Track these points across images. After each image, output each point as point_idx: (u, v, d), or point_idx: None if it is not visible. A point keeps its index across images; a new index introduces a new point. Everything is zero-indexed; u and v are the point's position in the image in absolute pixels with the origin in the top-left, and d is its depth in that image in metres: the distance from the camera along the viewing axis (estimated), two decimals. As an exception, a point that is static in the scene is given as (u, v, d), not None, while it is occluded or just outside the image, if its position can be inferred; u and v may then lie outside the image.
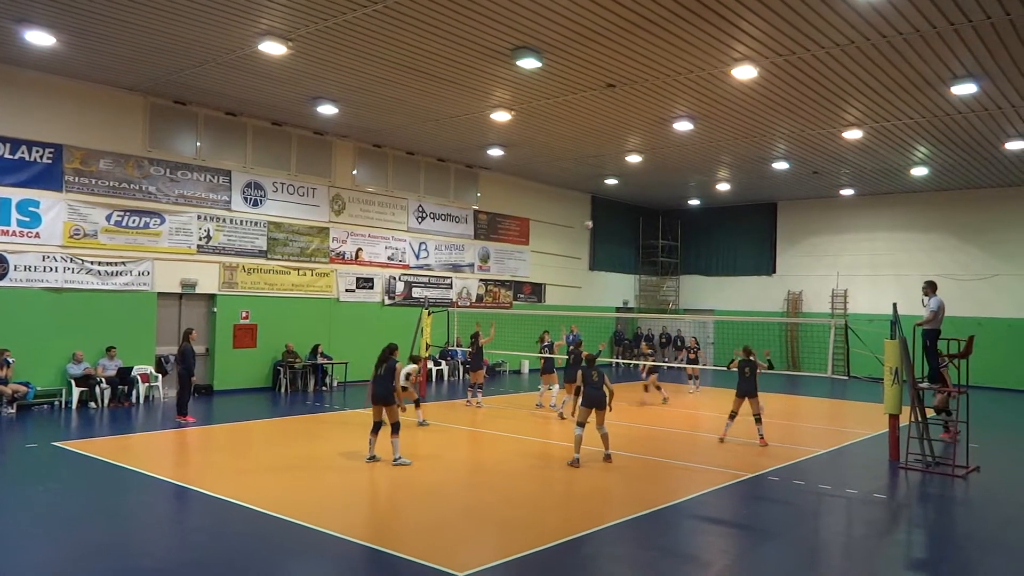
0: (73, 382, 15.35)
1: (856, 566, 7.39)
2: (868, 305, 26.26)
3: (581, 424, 11.12)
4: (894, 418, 12.13)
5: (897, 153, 20.11)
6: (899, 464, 11.67)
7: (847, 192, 26.56)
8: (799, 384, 23.99)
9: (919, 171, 22.27)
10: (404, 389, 12.73)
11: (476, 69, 14.14)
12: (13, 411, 14.42)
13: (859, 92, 14.82)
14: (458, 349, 21.23)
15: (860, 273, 27.36)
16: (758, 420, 12.97)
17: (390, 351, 11.11)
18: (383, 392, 10.78)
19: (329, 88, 15.75)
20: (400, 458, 10.64)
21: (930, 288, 12.94)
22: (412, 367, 13.75)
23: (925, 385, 12.21)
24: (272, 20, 12.04)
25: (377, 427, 10.85)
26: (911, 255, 26.28)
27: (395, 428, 10.71)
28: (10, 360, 14.52)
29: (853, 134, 18.07)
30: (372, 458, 10.76)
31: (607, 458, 11.18)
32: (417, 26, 12.11)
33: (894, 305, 12.38)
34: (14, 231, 14.95)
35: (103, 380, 15.60)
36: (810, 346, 26.59)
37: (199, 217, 17.69)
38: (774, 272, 29.53)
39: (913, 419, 11.67)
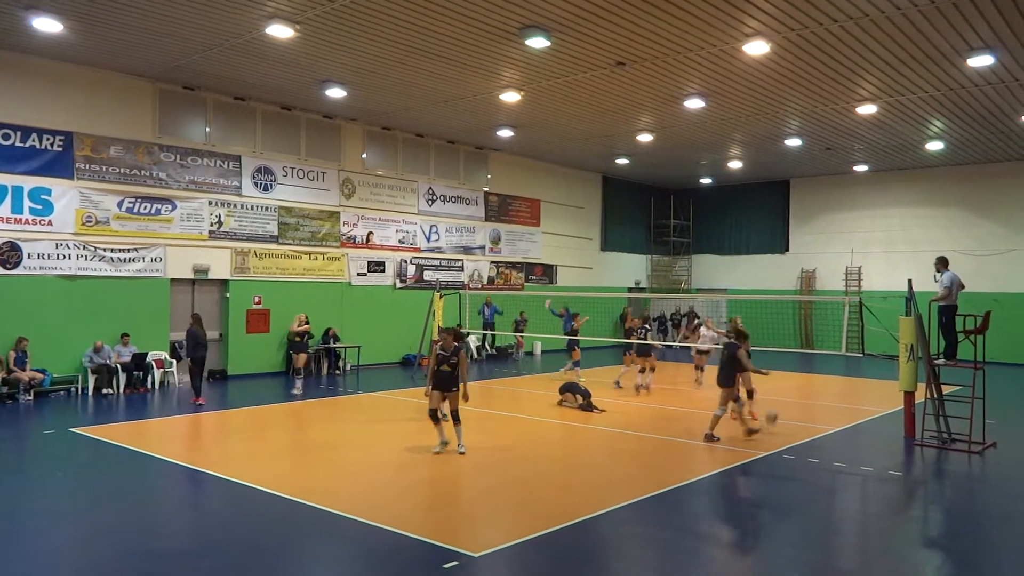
0: (89, 369, 15.48)
1: (872, 543, 7.36)
2: (883, 282, 26.05)
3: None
4: (909, 395, 12.05)
5: (912, 128, 19.85)
6: (915, 441, 11.61)
7: (861, 168, 26.28)
8: (813, 362, 23.88)
9: (934, 146, 21.99)
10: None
11: (484, 49, 14.02)
12: (31, 398, 14.57)
13: (873, 66, 14.60)
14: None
15: (874, 250, 27.13)
16: (749, 396, 12.73)
17: (460, 336, 10.64)
18: (449, 379, 10.30)
19: (337, 71, 15.68)
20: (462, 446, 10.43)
21: (941, 264, 12.79)
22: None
23: (941, 362, 12.10)
24: (279, 3, 11.96)
25: (435, 414, 10.43)
26: (926, 231, 26.01)
27: (456, 416, 10.42)
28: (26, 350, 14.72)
29: (867, 109, 17.83)
30: (444, 444, 10.42)
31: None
32: (424, 6, 12.00)
33: (909, 281, 12.26)
34: (27, 219, 15.03)
35: (119, 367, 15.71)
36: (824, 324, 26.44)
37: (210, 203, 17.71)
38: (787, 250, 29.32)
39: (929, 396, 11.59)
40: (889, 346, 13.08)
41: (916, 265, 24.38)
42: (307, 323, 16.54)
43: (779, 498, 8.88)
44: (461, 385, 10.40)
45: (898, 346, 12.14)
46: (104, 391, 15.51)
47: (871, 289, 26.11)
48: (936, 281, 12.65)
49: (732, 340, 12.23)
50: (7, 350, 14.56)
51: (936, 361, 11.98)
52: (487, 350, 24.04)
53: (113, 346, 15.95)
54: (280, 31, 12.95)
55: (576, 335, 18.83)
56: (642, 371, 16.57)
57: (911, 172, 26.17)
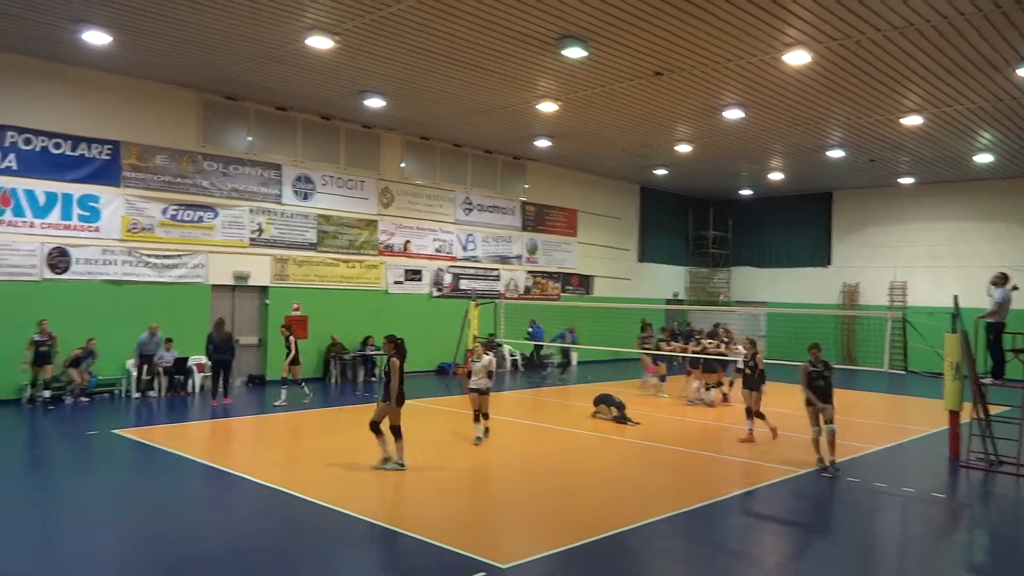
0: (133, 372, 15.79)
1: (912, 567, 7.15)
2: (928, 298, 25.35)
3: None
4: (955, 414, 11.70)
5: (960, 139, 19.36)
6: (959, 462, 11.24)
7: (906, 180, 25.71)
8: (855, 379, 23.33)
9: (983, 158, 21.42)
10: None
11: (521, 59, 14.05)
12: (87, 400, 14.97)
13: (919, 76, 14.29)
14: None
15: (920, 264, 26.48)
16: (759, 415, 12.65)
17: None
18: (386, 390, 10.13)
19: (376, 81, 15.85)
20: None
21: (1001, 279, 12.32)
22: (488, 359, 12.01)
23: (988, 381, 11.73)
24: (318, 14, 12.15)
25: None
26: (974, 246, 25.31)
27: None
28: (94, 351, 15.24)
29: (912, 120, 17.45)
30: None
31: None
32: (461, 17, 12.08)
33: (955, 297, 11.92)
34: (75, 226, 15.43)
35: (161, 370, 16.01)
36: (867, 340, 25.86)
37: (251, 211, 18.01)
38: (829, 263, 28.78)
39: (975, 416, 11.23)
40: (934, 364, 12.73)
41: (963, 281, 23.68)
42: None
43: (816, 517, 8.68)
44: (392, 399, 9.89)
45: (943, 364, 11.80)
46: (147, 394, 15.81)
47: (916, 305, 25.45)
48: (989, 295, 12.21)
49: (821, 362, 10.80)
50: (69, 349, 14.92)
51: (983, 380, 11.61)
52: (522, 360, 23.94)
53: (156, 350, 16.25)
54: (320, 42, 13.14)
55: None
56: (708, 387, 16.67)
57: (959, 185, 25.51)
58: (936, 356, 12.15)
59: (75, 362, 14.94)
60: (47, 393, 14.44)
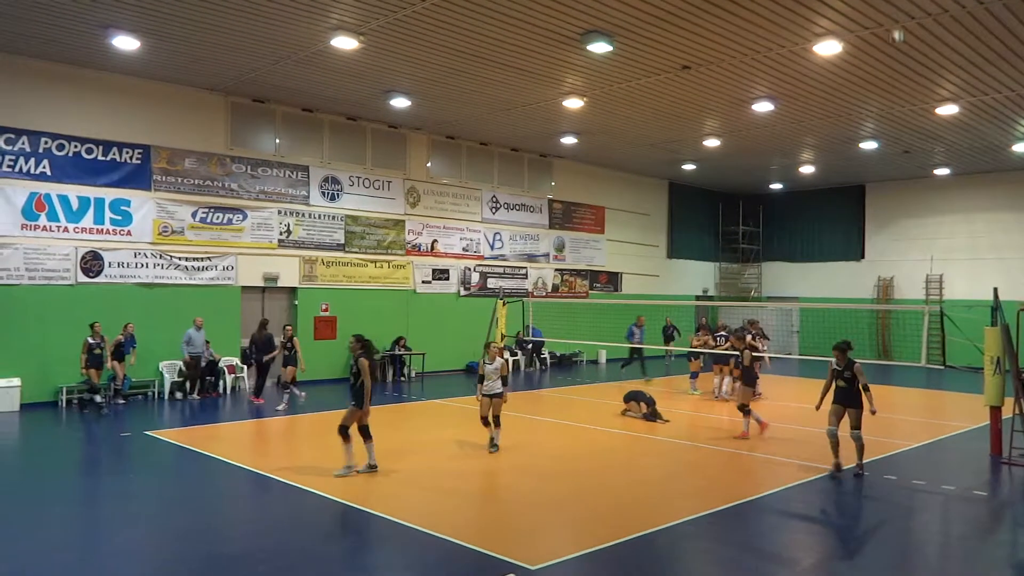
0: (165, 372, 15.98)
1: (953, 568, 6.94)
2: (966, 290, 24.82)
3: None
4: (995, 410, 11.37)
5: (997, 128, 18.88)
6: (1001, 459, 10.93)
7: (942, 172, 25.15)
8: (891, 374, 22.92)
9: (1022, 147, 20.87)
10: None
11: (546, 55, 13.95)
12: (124, 402, 15.16)
13: (954, 64, 13.94)
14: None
15: (957, 257, 25.91)
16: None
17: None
18: (355, 392, 9.73)
19: (401, 81, 15.86)
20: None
21: None
22: (501, 361, 11.31)
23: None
24: (343, 15, 12.17)
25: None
26: (1012, 236, 24.72)
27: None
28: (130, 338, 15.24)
29: (948, 110, 17.04)
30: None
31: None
32: (485, 14, 12.02)
33: (995, 290, 11.59)
34: (108, 229, 15.66)
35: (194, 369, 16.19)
36: (902, 334, 25.37)
37: (279, 212, 18.14)
38: (863, 257, 28.28)
39: (1016, 411, 10.92)
40: (973, 358, 12.40)
41: (1002, 273, 23.18)
42: (272, 333, 16.25)
43: (852, 517, 8.48)
44: (365, 400, 9.55)
45: (982, 358, 11.48)
46: (177, 395, 16.01)
47: (953, 298, 24.90)
48: None
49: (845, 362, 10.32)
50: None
51: (1025, 374, 11.29)
52: (551, 360, 23.83)
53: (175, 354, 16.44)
54: (345, 43, 13.17)
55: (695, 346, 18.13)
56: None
57: (997, 175, 24.91)
58: (975, 350, 11.83)
59: (119, 353, 14.98)
60: (98, 397, 14.34)
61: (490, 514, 8.27)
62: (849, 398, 10.02)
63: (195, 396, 16.05)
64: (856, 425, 9.96)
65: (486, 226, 22.61)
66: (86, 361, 14.32)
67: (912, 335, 21.64)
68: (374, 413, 14.68)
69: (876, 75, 14.68)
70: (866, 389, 9.93)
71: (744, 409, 12.47)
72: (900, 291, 27.15)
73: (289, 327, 15.64)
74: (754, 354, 16.37)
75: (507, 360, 11.38)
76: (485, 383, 10.96)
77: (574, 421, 13.99)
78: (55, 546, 7.02)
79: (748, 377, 12.94)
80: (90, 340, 14.41)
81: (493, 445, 11.01)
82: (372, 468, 9.64)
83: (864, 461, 10.13)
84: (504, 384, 10.98)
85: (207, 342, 16.32)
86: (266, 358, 15.93)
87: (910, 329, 23.48)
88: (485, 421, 11.06)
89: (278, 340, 15.78)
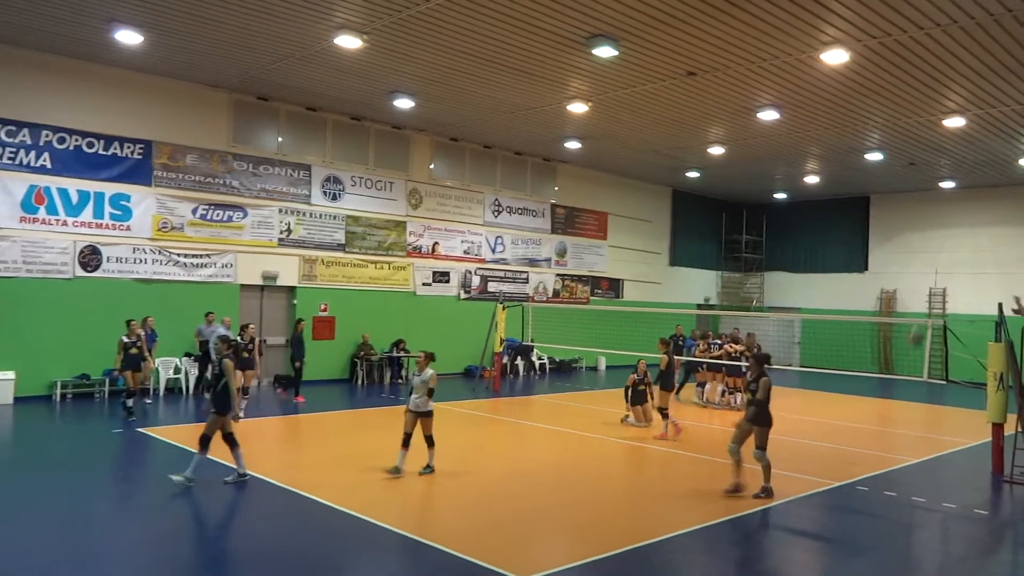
0: (161, 369, 15.85)
1: (953, 588, 6.80)
2: (970, 305, 24.66)
3: None
4: (998, 427, 11.22)
5: (1004, 142, 18.75)
6: (1003, 478, 10.77)
7: (947, 184, 25.01)
8: (892, 388, 22.76)
9: (1029, 161, 20.76)
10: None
11: (551, 59, 13.86)
12: (151, 401, 14.77)
13: (962, 76, 13.82)
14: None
15: (961, 271, 25.76)
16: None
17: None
18: (218, 399, 9.14)
19: (405, 81, 15.77)
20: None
21: None
22: (429, 372, 9.80)
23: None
24: (347, 14, 12.08)
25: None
26: (1017, 251, 24.56)
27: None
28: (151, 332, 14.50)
29: (955, 122, 16.92)
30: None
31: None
32: (490, 16, 11.93)
33: (999, 305, 11.46)
34: (107, 224, 15.57)
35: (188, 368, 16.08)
36: (904, 348, 25.25)
37: (280, 211, 18.05)
38: (866, 269, 28.14)
39: (1019, 428, 10.77)
40: (976, 373, 12.25)
41: (1007, 287, 22.93)
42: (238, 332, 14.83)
43: (850, 533, 8.33)
44: (233, 404, 9.05)
45: (986, 374, 11.34)
46: (176, 390, 15.91)
47: (957, 312, 24.77)
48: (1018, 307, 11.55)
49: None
50: (105, 343, 14.27)
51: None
52: (550, 365, 23.69)
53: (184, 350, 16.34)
54: (349, 41, 13.09)
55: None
56: (730, 391, 16.85)
57: (1003, 189, 24.76)
58: (979, 365, 11.69)
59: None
60: (130, 402, 13.20)
61: (480, 522, 8.13)
62: (755, 414, 9.27)
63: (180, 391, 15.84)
64: (761, 444, 9.21)
65: (488, 229, 22.50)
66: (121, 362, 13.25)
67: (914, 349, 21.53)
68: (369, 415, 14.63)
69: (883, 86, 14.57)
70: (761, 405, 9.24)
71: (662, 412, 12.98)
72: (903, 304, 26.99)
73: (252, 326, 14.47)
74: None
75: (434, 373, 9.72)
76: (412, 396, 9.66)
77: (569, 428, 13.85)
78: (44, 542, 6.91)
79: (667, 382, 13.22)
80: (125, 339, 13.30)
81: (427, 467, 9.67)
82: (242, 478, 9.01)
83: (864, 476, 9.97)
84: (429, 396, 9.63)
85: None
86: (297, 364, 15.75)
87: (912, 343, 23.37)
88: (407, 440, 9.51)
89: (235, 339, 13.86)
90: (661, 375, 13.24)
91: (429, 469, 9.68)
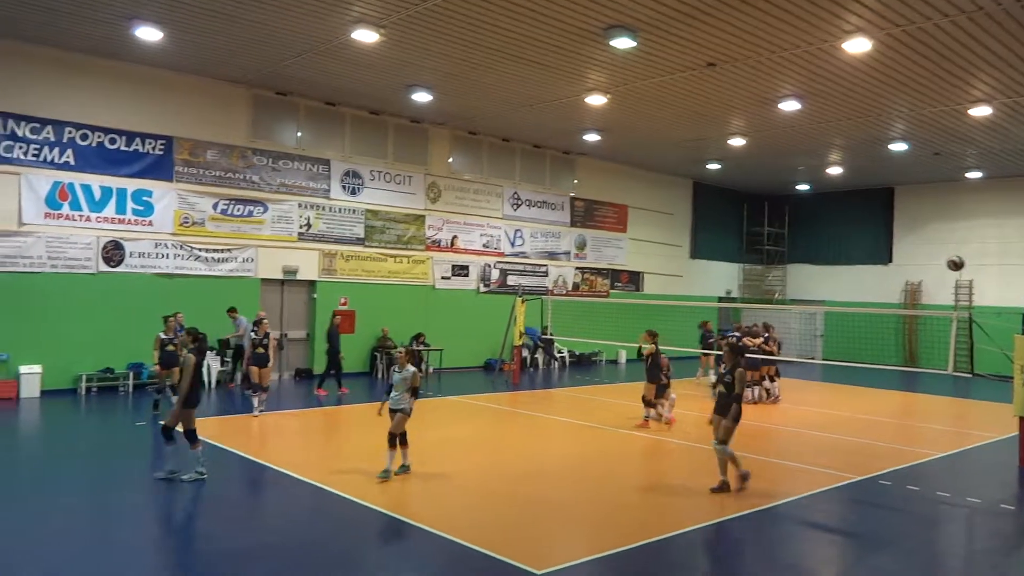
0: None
1: (978, 584, 6.70)
2: (997, 297, 24.29)
3: None
4: (1025, 421, 11.06)
5: (1033, 131, 18.40)
6: (1030, 472, 10.62)
7: (973, 175, 24.60)
8: (917, 381, 22.46)
9: (1058, 150, 20.35)
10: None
11: (569, 51, 13.78)
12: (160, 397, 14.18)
13: (988, 64, 13.55)
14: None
15: (988, 263, 25.32)
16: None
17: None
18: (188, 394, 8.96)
19: (423, 75, 15.76)
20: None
21: None
22: (411, 370, 9.39)
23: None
24: (364, 7, 12.08)
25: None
26: (1047, 243, 24.10)
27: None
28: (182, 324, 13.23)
29: (981, 111, 16.61)
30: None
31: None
32: (507, 8, 11.87)
33: (1027, 297, 11.25)
34: (129, 219, 15.73)
35: (209, 364, 16.17)
36: (930, 340, 24.85)
37: (300, 205, 18.14)
38: (890, 261, 27.76)
39: (1047, 422, 10.59)
40: (1002, 366, 12.05)
41: (1035, 279, 22.63)
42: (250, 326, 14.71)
43: (872, 528, 8.23)
44: (181, 399, 8.86)
45: (1012, 367, 11.15)
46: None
47: (983, 304, 24.38)
48: None
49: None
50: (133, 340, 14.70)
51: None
52: (569, 358, 23.65)
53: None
54: (366, 35, 13.09)
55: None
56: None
57: (1031, 179, 24.31)
58: (1005, 358, 11.49)
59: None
60: (159, 395, 13.08)
61: (497, 516, 8.13)
62: (723, 406, 9.03)
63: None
64: (723, 439, 8.94)
65: (507, 223, 22.47)
66: (159, 358, 12.97)
67: (940, 341, 21.20)
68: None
69: (907, 74, 14.33)
70: (737, 400, 8.97)
71: (648, 403, 13.34)
72: (928, 296, 26.62)
73: (266, 320, 13.95)
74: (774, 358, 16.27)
75: (416, 371, 9.34)
76: (392, 394, 9.30)
77: (589, 422, 13.82)
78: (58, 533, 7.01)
79: (653, 374, 13.38)
80: (162, 336, 13.01)
81: (403, 467, 9.33)
82: (201, 475, 8.77)
83: (887, 470, 9.85)
84: (414, 396, 9.28)
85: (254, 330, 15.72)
86: (341, 356, 15.95)
87: (938, 335, 23.01)
88: (392, 440, 9.18)
89: (252, 333, 13.91)
90: (647, 370, 13.57)
91: (406, 468, 9.37)
